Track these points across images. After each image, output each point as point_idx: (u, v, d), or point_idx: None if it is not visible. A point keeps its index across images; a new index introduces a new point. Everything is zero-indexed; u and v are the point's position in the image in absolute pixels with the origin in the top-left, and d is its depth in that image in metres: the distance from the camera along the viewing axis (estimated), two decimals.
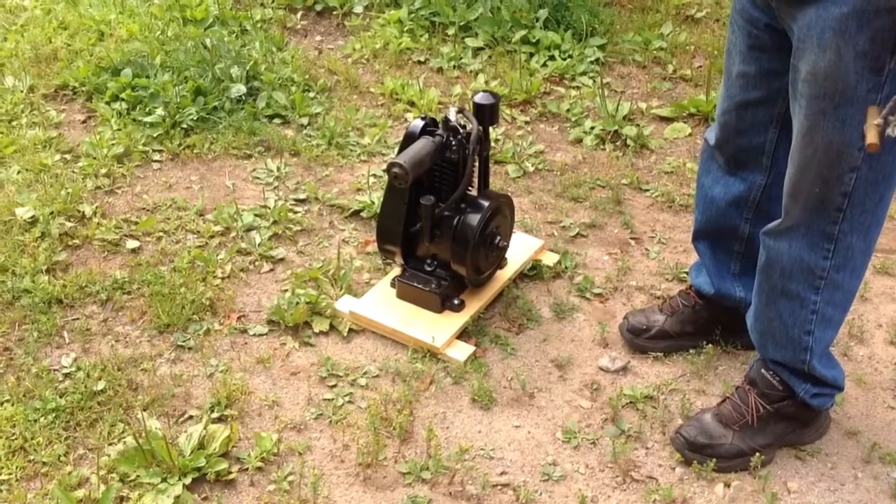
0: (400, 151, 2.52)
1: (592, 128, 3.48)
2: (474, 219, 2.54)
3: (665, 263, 2.89)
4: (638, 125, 3.51)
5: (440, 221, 2.56)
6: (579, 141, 3.45)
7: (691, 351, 2.55)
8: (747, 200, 2.32)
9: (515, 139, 3.43)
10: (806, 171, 1.95)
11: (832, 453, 2.31)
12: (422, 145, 2.47)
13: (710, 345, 2.54)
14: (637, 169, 3.31)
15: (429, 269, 2.64)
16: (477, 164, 2.60)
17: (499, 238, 2.62)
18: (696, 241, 2.48)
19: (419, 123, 2.54)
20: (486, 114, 2.56)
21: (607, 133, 3.44)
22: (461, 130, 2.50)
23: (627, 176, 3.25)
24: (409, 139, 2.53)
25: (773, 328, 2.16)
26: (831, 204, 1.96)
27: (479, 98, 2.55)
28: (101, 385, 2.39)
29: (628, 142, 3.41)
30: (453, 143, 2.50)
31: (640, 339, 2.57)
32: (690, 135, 3.50)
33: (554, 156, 3.38)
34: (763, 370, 2.23)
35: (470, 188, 2.61)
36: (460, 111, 2.54)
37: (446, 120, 2.51)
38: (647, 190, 3.20)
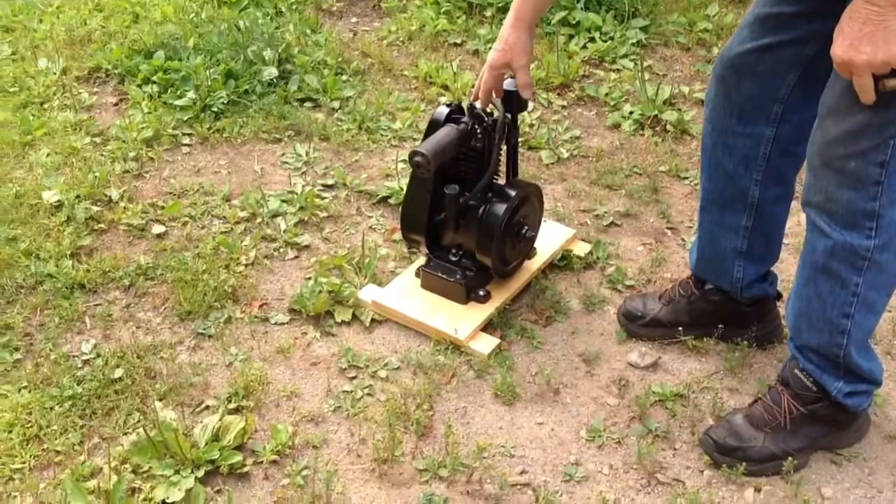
0: (424, 139, 2.45)
1: (631, 112, 3.37)
2: (500, 208, 2.47)
3: None
4: (679, 110, 3.39)
5: (465, 211, 2.49)
6: (617, 126, 3.35)
7: (726, 344, 2.45)
8: (756, 158, 2.20)
9: (551, 124, 3.33)
10: (842, 143, 1.84)
11: (870, 458, 2.20)
12: (445, 133, 2.39)
13: (745, 341, 2.44)
14: (676, 155, 3.19)
15: (454, 259, 2.57)
16: (505, 151, 2.52)
17: (526, 228, 2.54)
18: (702, 212, 2.35)
19: (444, 110, 2.46)
20: (514, 100, 2.47)
21: (647, 118, 3.33)
22: (487, 118, 2.42)
23: (666, 163, 3.14)
24: (434, 126, 2.45)
25: (811, 308, 2.05)
26: (869, 179, 1.85)
27: (508, 84, 2.46)
28: (118, 373, 2.36)
29: (668, 127, 3.30)
30: (478, 130, 2.42)
31: (634, 326, 2.50)
32: None
33: (590, 141, 3.28)
34: (796, 370, 2.12)
35: (497, 177, 2.53)
36: None
37: (471, 107, 2.43)
38: (686, 178, 3.09)
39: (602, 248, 2.79)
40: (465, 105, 2.47)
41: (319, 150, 3.21)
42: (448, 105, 2.47)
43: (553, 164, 3.16)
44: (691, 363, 2.45)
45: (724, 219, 2.29)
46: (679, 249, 2.82)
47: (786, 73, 2.06)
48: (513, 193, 2.49)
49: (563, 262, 2.74)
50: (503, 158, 2.54)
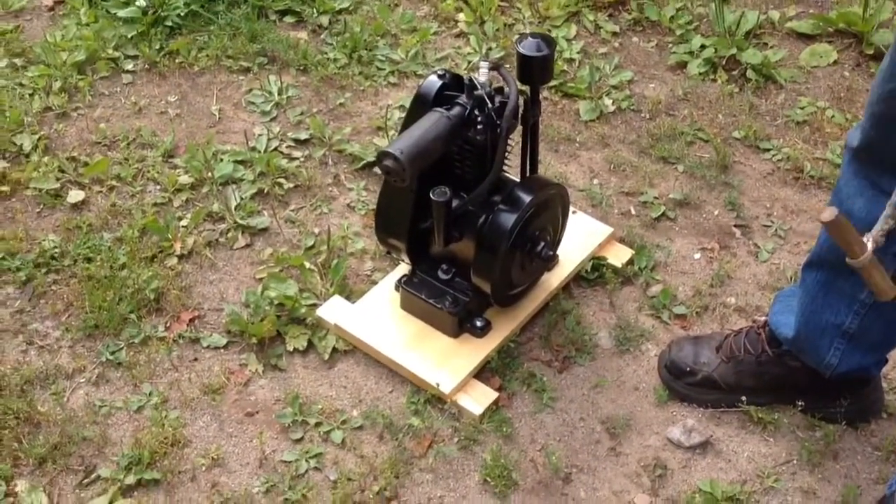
0: (404, 126, 1.76)
1: (703, 47, 2.60)
2: (508, 219, 1.79)
3: (781, 269, 2.09)
4: (766, 44, 2.61)
5: (460, 219, 1.82)
6: (682, 67, 2.58)
7: (804, 419, 1.80)
8: None
9: (596, 59, 2.58)
10: None
11: None
12: (430, 124, 1.69)
13: (831, 417, 1.79)
14: (757, 114, 2.44)
15: (444, 276, 1.92)
16: (520, 139, 1.82)
17: (543, 245, 1.86)
18: (808, 269, 1.68)
19: (434, 83, 1.76)
20: (535, 70, 1.76)
21: (721, 59, 2.56)
22: (490, 102, 1.70)
23: (742, 126, 2.40)
24: (419, 107, 1.76)
25: None
26: None
27: (526, 47, 1.74)
28: None
29: (749, 73, 2.53)
30: (479, 118, 1.72)
31: (680, 384, 1.87)
32: (836, 63, 2.59)
33: (645, 88, 2.53)
34: None
35: (505, 168, 1.84)
36: (495, 68, 1.75)
37: (471, 85, 1.72)
38: (768, 149, 2.35)
39: (646, 255, 2.11)
40: (466, 76, 1.76)
41: (297, 86, 2.51)
42: (441, 75, 1.77)
43: (594, 120, 2.43)
44: (754, 444, 1.80)
45: (837, 284, 1.60)
46: (750, 260, 2.12)
47: None
48: (527, 199, 1.81)
49: (593, 275, 2.07)
50: (515, 146, 1.85)
